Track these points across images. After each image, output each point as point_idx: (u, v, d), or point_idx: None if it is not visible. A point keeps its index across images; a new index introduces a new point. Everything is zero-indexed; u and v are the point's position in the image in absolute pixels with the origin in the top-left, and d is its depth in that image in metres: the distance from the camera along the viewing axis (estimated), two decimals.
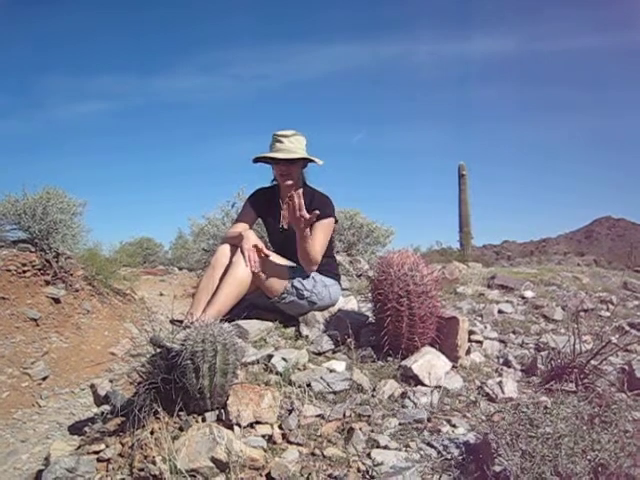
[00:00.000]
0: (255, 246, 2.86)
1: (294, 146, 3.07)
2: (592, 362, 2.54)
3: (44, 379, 5.17)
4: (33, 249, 6.56)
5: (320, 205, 3.01)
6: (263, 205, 3.25)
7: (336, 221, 3.19)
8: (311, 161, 3.18)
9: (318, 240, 2.96)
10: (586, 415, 1.85)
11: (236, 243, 2.92)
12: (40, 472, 2.54)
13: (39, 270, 6.41)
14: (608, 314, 3.73)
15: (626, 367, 2.68)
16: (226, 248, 2.97)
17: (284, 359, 2.56)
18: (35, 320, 5.87)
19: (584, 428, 1.73)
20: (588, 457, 1.58)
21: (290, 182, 3.11)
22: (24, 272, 6.21)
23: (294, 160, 3.07)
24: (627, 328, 3.47)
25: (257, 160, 3.19)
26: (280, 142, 3.07)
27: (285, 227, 3.17)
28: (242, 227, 3.10)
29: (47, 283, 6.43)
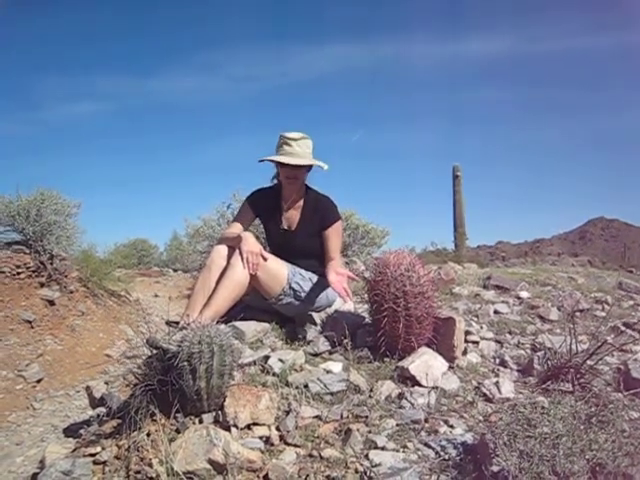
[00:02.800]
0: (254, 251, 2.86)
1: (302, 150, 3.05)
2: (588, 362, 2.55)
3: (39, 381, 5.15)
4: (27, 251, 6.53)
5: (327, 210, 3.12)
6: (262, 205, 3.22)
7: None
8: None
9: (336, 245, 3.08)
10: (583, 415, 1.85)
11: (233, 245, 2.89)
12: (35, 475, 2.53)
13: (33, 272, 6.38)
14: (603, 314, 3.74)
15: (622, 367, 2.69)
16: (222, 249, 2.95)
17: (281, 360, 2.55)
18: (29, 322, 5.84)
19: (581, 428, 1.74)
20: (586, 457, 1.58)
21: (295, 186, 3.12)
22: (18, 274, 6.18)
23: (302, 165, 3.07)
24: (622, 328, 3.48)
25: (264, 160, 3.17)
26: (289, 145, 3.03)
27: (286, 228, 3.17)
28: (239, 228, 3.08)
29: (41, 285, 6.40)
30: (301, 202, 3.17)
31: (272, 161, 3.12)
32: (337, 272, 2.86)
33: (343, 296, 2.80)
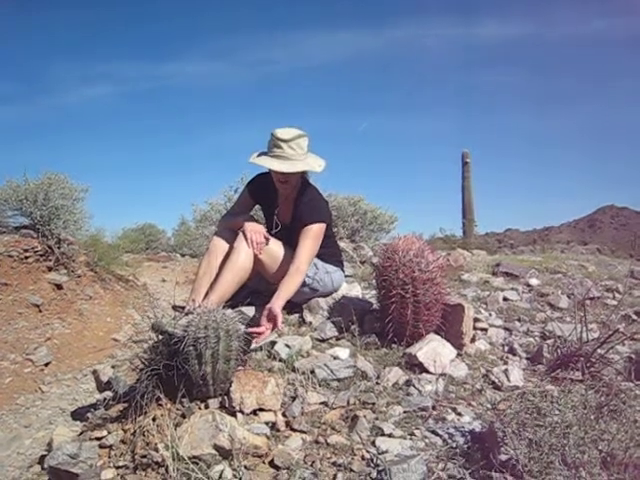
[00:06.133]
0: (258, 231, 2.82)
1: (294, 152, 2.86)
2: (599, 351, 2.51)
3: (47, 365, 5.19)
4: (35, 235, 6.55)
5: (309, 210, 2.91)
6: (262, 192, 3.14)
7: (328, 224, 3.04)
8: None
9: (305, 248, 2.81)
10: (594, 404, 1.83)
11: (235, 228, 2.89)
12: (43, 457, 2.55)
13: (41, 256, 6.40)
14: (615, 302, 3.69)
15: (633, 356, 2.65)
16: (224, 233, 2.94)
17: (287, 346, 2.54)
18: (37, 306, 5.87)
19: (592, 417, 1.71)
20: (599, 447, 1.55)
21: (287, 189, 3.00)
22: (26, 258, 6.21)
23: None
24: (634, 317, 3.43)
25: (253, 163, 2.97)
26: (279, 147, 2.86)
27: (280, 223, 3.07)
28: (239, 216, 3.05)
29: (49, 269, 6.43)
30: (296, 195, 3.04)
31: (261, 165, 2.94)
32: (271, 313, 2.48)
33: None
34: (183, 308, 2.61)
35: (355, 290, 3.31)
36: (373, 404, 2.16)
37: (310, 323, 2.93)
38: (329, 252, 3.11)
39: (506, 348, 2.88)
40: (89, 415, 2.58)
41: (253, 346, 2.52)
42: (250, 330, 2.40)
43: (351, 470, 1.78)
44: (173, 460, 1.84)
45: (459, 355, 2.63)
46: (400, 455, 1.83)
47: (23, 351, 5.21)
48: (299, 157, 2.89)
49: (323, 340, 2.75)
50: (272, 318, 2.46)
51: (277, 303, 2.52)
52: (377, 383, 2.33)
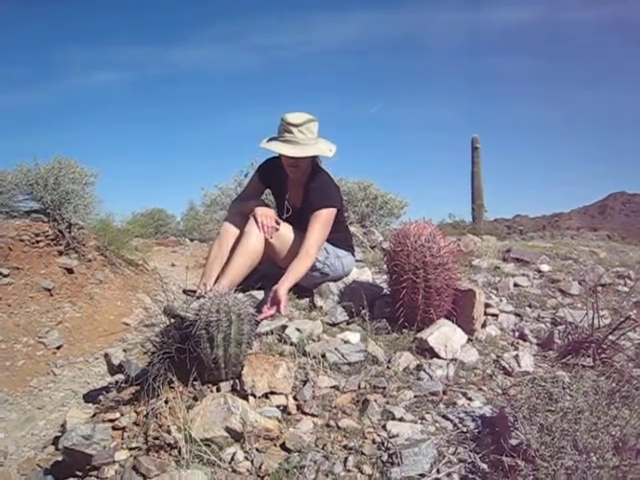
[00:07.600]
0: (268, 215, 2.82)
1: (304, 137, 2.85)
2: (610, 337, 2.50)
3: (58, 348, 5.24)
4: (46, 219, 6.59)
5: (319, 195, 2.89)
6: (272, 177, 3.13)
7: (339, 209, 3.01)
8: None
9: (314, 233, 2.79)
10: (605, 390, 1.82)
11: (246, 213, 2.89)
12: (57, 438, 2.58)
13: (52, 240, 6.44)
14: (626, 289, 3.66)
15: None
16: (235, 217, 2.95)
17: (298, 330, 2.54)
18: (49, 290, 5.92)
19: (604, 403, 1.71)
20: (612, 432, 1.55)
21: (297, 173, 2.97)
22: (37, 242, 6.25)
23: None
24: None
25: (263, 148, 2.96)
26: (289, 132, 2.84)
27: (291, 207, 3.04)
28: (250, 200, 3.05)
29: (60, 253, 6.47)
30: (306, 180, 3.02)
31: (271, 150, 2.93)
32: (277, 296, 2.47)
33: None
34: (194, 292, 2.62)
35: (365, 275, 3.31)
36: (384, 388, 2.17)
37: (321, 307, 2.93)
38: (340, 237, 3.10)
39: (517, 334, 2.87)
40: (101, 397, 2.61)
41: (263, 328, 2.54)
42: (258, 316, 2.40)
43: (362, 453, 1.80)
44: (185, 442, 1.86)
45: (470, 340, 2.63)
46: (411, 439, 1.84)
47: (35, 334, 5.27)
48: (309, 142, 2.88)
49: (334, 324, 2.76)
50: (276, 301, 2.47)
51: (284, 285, 2.54)
52: (388, 367, 2.34)
